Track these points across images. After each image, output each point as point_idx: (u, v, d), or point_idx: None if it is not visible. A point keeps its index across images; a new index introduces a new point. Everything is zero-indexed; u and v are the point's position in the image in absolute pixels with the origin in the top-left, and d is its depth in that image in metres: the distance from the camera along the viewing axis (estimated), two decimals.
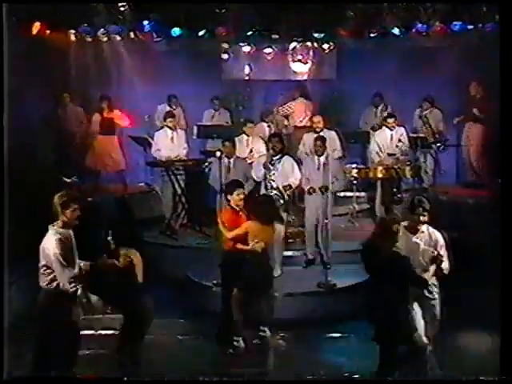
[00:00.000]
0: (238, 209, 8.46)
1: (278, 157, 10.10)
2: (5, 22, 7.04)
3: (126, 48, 13.72)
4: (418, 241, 7.17)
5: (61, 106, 13.38)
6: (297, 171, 10.27)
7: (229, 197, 8.57)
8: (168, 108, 13.35)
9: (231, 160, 10.53)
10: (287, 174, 10.15)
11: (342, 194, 12.17)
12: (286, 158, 10.21)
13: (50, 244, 6.42)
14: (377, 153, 11.91)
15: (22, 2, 10.99)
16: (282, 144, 10.26)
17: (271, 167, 10.04)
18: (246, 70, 14.56)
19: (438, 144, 12.72)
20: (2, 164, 6.72)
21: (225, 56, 14.37)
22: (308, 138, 11.66)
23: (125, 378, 6.64)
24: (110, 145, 13.30)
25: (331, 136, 11.53)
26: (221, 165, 10.28)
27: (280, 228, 10.02)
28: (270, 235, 8.46)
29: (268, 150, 10.27)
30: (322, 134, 11.37)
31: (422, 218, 7.18)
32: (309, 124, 12.74)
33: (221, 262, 8.62)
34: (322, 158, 10.42)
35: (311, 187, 10.40)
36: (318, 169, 10.34)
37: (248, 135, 11.75)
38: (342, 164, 11.87)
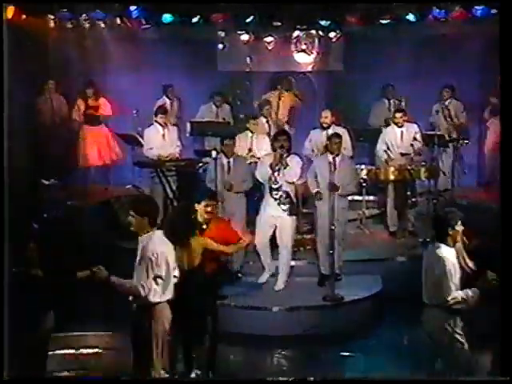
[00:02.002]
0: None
1: (284, 156, 9.94)
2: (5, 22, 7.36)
3: (111, 36, 13.67)
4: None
5: (43, 95, 13.36)
6: (299, 170, 10.08)
7: (196, 206, 8.11)
8: (166, 99, 13.42)
9: (230, 160, 10.43)
10: (294, 173, 10.02)
11: (350, 197, 12.07)
12: (292, 156, 10.02)
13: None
14: (384, 151, 11.77)
15: (21, 1, 11.19)
16: (290, 142, 10.05)
17: (277, 167, 9.91)
18: (245, 60, 14.49)
19: (465, 141, 12.71)
20: (2, 164, 6.85)
21: (221, 45, 14.31)
22: (315, 134, 11.57)
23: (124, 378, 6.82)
24: (97, 136, 13.23)
25: (341, 133, 11.41)
26: (216, 165, 10.22)
27: (289, 233, 10.06)
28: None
29: (274, 149, 10.06)
30: (330, 131, 11.27)
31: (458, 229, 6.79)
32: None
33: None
34: (338, 158, 10.12)
35: (318, 192, 10.17)
36: (333, 170, 9.97)
37: (252, 132, 11.66)
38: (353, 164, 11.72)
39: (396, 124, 11.82)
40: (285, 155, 9.84)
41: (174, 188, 11.75)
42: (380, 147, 11.88)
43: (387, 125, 12.46)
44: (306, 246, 11.00)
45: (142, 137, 12.13)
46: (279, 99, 13.44)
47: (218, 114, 13.72)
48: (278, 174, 9.87)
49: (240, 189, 10.37)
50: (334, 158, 10.13)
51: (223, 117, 13.70)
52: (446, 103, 13.14)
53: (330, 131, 11.23)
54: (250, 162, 11.07)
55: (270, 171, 9.87)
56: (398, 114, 11.84)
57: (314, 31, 14.25)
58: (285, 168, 9.84)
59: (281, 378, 8.20)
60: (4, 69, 7.01)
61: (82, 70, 13.66)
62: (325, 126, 11.44)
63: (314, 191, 10.24)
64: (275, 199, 9.91)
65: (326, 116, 11.49)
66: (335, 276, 10.06)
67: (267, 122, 12.56)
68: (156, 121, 11.87)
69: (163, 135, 11.82)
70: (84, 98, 13.32)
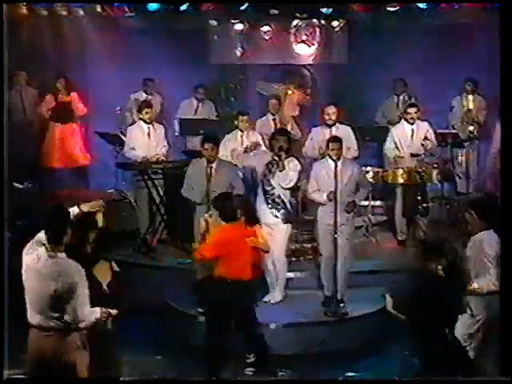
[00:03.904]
0: None
1: (283, 157, 9.81)
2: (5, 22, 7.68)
3: (92, 25, 13.66)
4: None
5: (13, 88, 13.38)
6: (295, 176, 9.99)
7: None
8: (144, 96, 13.37)
9: (213, 164, 9.98)
10: (289, 179, 9.97)
11: None
12: (290, 159, 9.93)
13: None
14: (393, 150, 11.75)
15: (21, 1, 11.37)
16: (289, 144, 9.97)
17: (273, 169, 9.89)
18: (239, 52, 14.53)
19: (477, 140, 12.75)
20: (2, 164, 7.21)
21: (213, 36, 14.34)
22: (318, 133, 11.52)
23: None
24: (66, 135, 13.24)
25: (346, 132, 11.37)
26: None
27: (283, 242, 10.03)
28: None
29: (272, 149, 10.00)
30: (334, 129, 11.29)
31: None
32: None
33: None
34: (339, 163, 9.74)
35: (331, 192, 9.69)
36: (335, 177, 9.65)
37: (242, 130, 11.63)
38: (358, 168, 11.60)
39: (407, 120, 11.76)
40: (283, 157, 9.80)
41: (161, 192, 11.75)
42: (389, 146, 11.84)
43: (395, 123, 12.48)
44: (306, 255, 11.00)
45: (125, 136, 12.14)
46: (286, 94, 13.49)
47: (197, 110, 13.72)
48: (273, 177, 9.85)
49: None
50: (335, 164, 9.71)
51: (206, 113, 13.70)
52: (469, 97, 13.14)
53: (334, 129, 11.26)
54: (244, 166, 11.10)
55: (265, 170, 9.88)
56: (412, 109, 11.74)
57: (315, 20, 14.30)
58: (281, 171, 9.82)
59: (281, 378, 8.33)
60: (4, 68, 7.51)
61: (58, 61, 13.66)
62: (330, 123, 11.41)
63: (325, 196, 9.80)
64: (268, 203, 9.87)
65: (333, 112, 11.40)
66: (338, 301, 9.97)
67: (274, 119, 12.52)
68: (141, 118, 11.78)
69: (148, 134, 11.74)
70: (54, 92, 13.32)
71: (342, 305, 9.93)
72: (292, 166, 9.92)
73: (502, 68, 6.92)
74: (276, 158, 9.80)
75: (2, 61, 7.38)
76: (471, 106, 13.06)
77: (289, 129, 12.19)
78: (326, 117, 11.46)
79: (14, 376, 7.26)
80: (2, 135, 7.34)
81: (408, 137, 11.73)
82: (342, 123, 11.58)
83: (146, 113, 11.74)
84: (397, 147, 11.73)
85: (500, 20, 7.42)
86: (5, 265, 6.97)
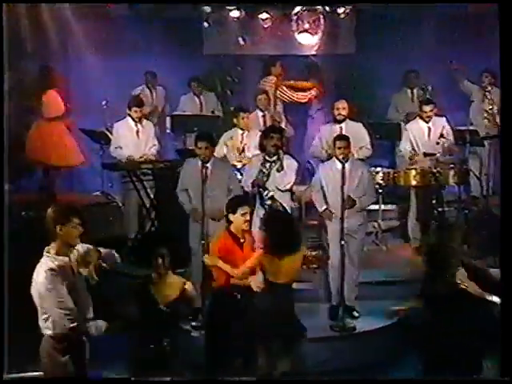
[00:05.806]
0: (239, 235, 8.33)
1: (274, 158, 9.91)
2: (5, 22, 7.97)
3: (74, 12, 13.60)
4: None
5: None
6: (293, 176, 10.07)
7: (230, 217, 8.33)
8: (146, 90, 13.49)
9: (208, 164, 9.86)
10: (287, 179, 10.01)
11: None
12: (286, 158, 10.03)
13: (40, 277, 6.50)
14: (410, 152, 11.73)
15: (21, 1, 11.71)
16: (282, 142, 10.08)
17: (265, 172, 9.89)
18: (236, 42, 14.50)
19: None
20: (2, 164, 7.46)
21: (207, 24, 14.32)
22: (326, 131, 11.51)
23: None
24: (53, 133, 13.23)
25: (357, 129, 11.38)
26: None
27: None
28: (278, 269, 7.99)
29: (264, 148, 10.01)
30: (344, 125, 11.30)
31: None
32: None
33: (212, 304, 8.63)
34: (347, 165, 9.77)
35: (327, 209, 9.95)
36: (342, 180, 9.58)
37: (243, 129, 11.63)
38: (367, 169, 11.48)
39: (423, 118, 11.77)
40: (282, 156, 9.87)
41: (152, 195, 11.73)
42: (404, 147, 11.84)
43: (409, 119, 12.44)
44: (309, 264, 10.94)
45: (112, 133, 12.12)
46: (276, 89, 13.46)
47: (202, 106, 13.70)
48: (267, 179, 9.87)
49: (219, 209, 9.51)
50: (343, 165, 9.69)
51: (211, 109, 13.69)
52: (489, 89, 13.11)
53: (344, 126, 11.24)
54: (244, 165, 11.07)
55: (261, 173, 9.89)
56: (427, 107, 11.71)
57: (318, 6, 14.25)
58: (279, 171, 9.84)
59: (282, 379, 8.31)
60: (4, 67, 7.70)
61: (38, 53, 13.61)
62: (339, 118, 11.40)
63: (322, 209, 10.02)
64: (264, 208, 9.81)
65: (344, 107, 11.43)
66: (349, 310, 10.00)
67: (263, 116, 12.52)
68: (129, 114, 11.81)
69: (137, 132, 11.81)
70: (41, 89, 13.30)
71: (353, 318, 10.00)
72: (289, 166, 10.01)
73: (502, 66, 6.97)
74: (269, 159, 9.87)
75: (1, 60, 7.61)
76: (493, 100, 13.01)
77: (283, 126, 12.25)
78: (336, 112, 11.46)
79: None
80: (2, 135, 7.52)
81: (425, 136, 11.77)
82: (352, 120, 11.56)
83: (135, 111, 11.79)
84: (413, 148, 11.70)
85: (500, 19, 7.45)
86: (5, 266, 7.09)
